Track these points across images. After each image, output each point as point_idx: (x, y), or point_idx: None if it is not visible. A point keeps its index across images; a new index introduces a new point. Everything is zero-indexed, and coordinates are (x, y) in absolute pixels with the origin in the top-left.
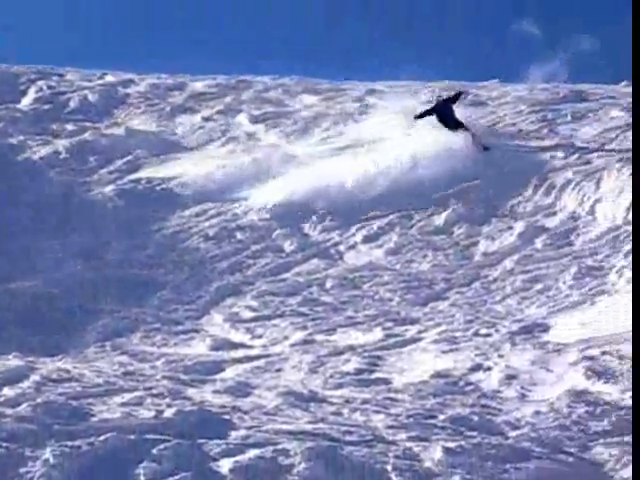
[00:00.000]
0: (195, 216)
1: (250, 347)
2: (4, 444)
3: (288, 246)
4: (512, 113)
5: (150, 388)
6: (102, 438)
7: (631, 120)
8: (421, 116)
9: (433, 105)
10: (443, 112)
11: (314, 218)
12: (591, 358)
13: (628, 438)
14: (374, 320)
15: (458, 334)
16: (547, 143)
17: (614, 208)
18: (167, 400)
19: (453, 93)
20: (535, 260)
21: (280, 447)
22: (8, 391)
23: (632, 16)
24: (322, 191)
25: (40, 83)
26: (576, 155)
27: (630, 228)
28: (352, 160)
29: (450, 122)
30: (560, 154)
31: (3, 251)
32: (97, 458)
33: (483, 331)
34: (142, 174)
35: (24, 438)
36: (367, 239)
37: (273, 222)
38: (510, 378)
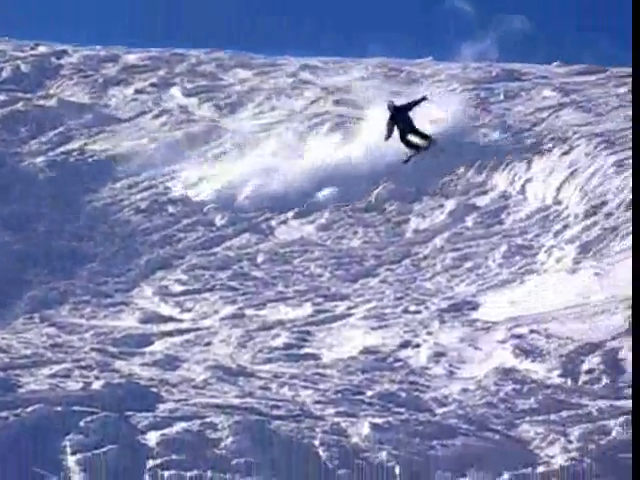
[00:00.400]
0: (127, 188)
1: (179, 320)
2: None
3: (219, 220)
4: (445, 91)
5: (78, 360)
6: (29, 409)
7: (632, 118)
8: (389, 135)
9: (390, 115)
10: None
11: (246, 192)
12: (519, 336)
13: (554, 416)
14: (304, 295)
15: (387, 311)
16: (479, 122)
17: (544, 188)
18: (95, 372)
19: (412, 101)
20: (465, 238)
21: (208, 420)
22: None
23: (632, 16)
24: (254, 165)
25: None
26: (508, 134)
27: (559, 208)
28: (284, 136)
29: (405, 131)
30: (492, 133)
31: None
32: (23, 429)
33: (412, 308)
34: (74, 145)
35: None
36: (298, 215)
37: (204, 196)
38: (438, 355)
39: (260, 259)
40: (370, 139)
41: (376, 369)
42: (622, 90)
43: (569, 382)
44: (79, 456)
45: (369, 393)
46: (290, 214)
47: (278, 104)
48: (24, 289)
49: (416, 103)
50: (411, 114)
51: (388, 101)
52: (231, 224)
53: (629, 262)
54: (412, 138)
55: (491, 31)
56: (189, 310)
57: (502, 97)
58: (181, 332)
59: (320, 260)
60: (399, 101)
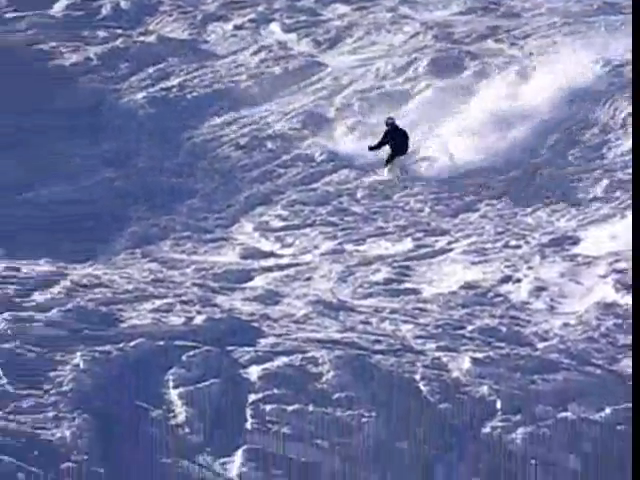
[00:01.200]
0: (226, 125)
1: (280, 256)
2: (35, 348)
3: (319, 156)
4: (546, 25)
5: (180, 295)
6: (132, 344)
7: (632, 118)
8: (377, 147)
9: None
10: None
11: (344, 128)
12: (620, 271)
13: None
14: (404, 230)
15: (488, 245)
16: (579, 57)
17: None
18: (197, 307)
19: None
20: (567, 173)
21: (309, 355)
22: (38, 296)
23: (632, 16)
24: (354, 101)
25: None
26: (608, 68)
27: None
28: (383, 71)
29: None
30: (594, 67)
31: (34, 158)
32: (126, 364)
33: (513, 243)
34: (173, 82)
35: (54, 343)
36: None
37: (304, 131)
38: (539, 290)
39: (360, 194)
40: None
41: (476, 304)
42: None
43: None
44: (181, 390)
45: (470, 328)
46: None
47: (377, 39)
48: (125, 225)
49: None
50: None
51: (387, 117)
52: (330, 160)
53: None
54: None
55: None
56: (289, 245)
57: (603, 30)
58: (281, 267)
59: (420, 195)
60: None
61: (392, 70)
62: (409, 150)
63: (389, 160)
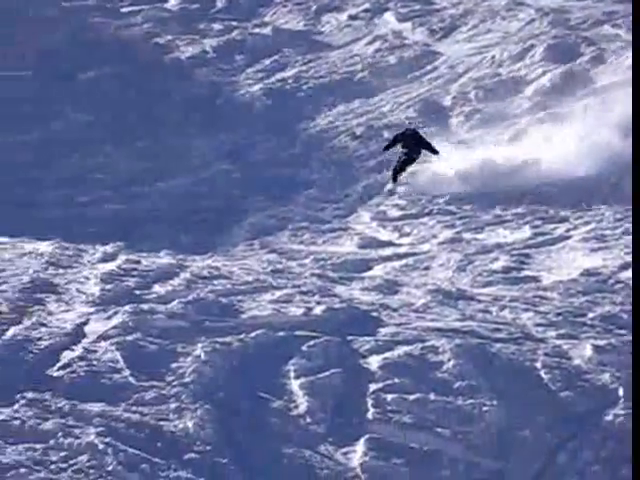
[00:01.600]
0: (342, 115)
1: (398, 245)
2: (156, 340)
3: (435, 142)
4: None
5: (299, 285)
6: (252, 335)
7: (632, 117)
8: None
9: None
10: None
11: (461, 117)
12: None
13: None
14: (522, 218)
15: (607, 232)
16: None
17: None
18: (316, 297)
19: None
20: None
21: (429, 344)
22: (159, 288)
23: (632, 16)
24: (470, 89)
25: None
26: None
27: None
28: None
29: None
30: None
31: (152, 151)
32: (247, 354)
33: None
34: (289, 73)
35: (175, 334)
36: (513, 138)
37: (420, 120)
38: None
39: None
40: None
41: (597, 291)
42: None
43: None
44: (303, 380)
45: (590, 315)
46: (506, 137)
47: (492, 26)
48: (243, 217)
49: (429, 146)
50: None
51: (411, 126)
52: None
53: None
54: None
55: None
56: (407, 235)
57: None
58: (400, 257)
59: None
60: None
61: (508, 57)
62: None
63: (396, 170)
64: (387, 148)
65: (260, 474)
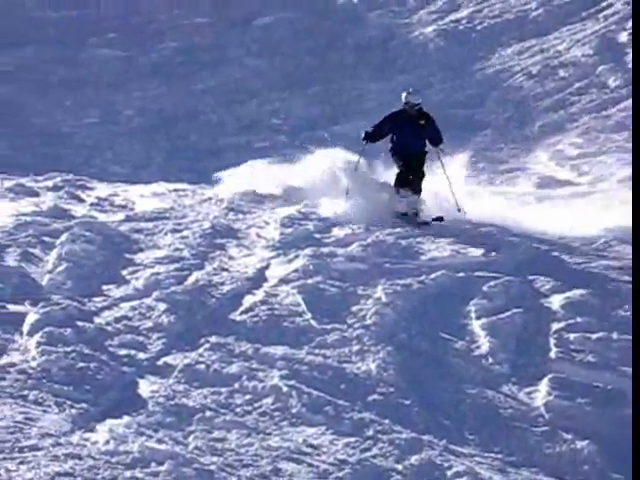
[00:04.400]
0: (517, 54)
1: (577, 184)
2: (337, 283)
3: (612, 82)
4: None
5: (478, 226)
6: (432, 276)
7: (632, 116)
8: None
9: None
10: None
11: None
12: None
13: None
14: None
15: None
16: None
17: None
18: (495, 238)
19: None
20: None
21: (611, 284)
22: (338, 231)
23: (632, 16)
24: None
25: None
26: None
27: None
28: None
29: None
30: None
31: (327, 96)
32: (427, 295)
33: None
34: (462, 13)
35: (356, 277)
36: None
37: (597, 57)
38: None
39: None
40: None
41: None
42: None
43: None
44: (484, 320)
45: None
46: None
47: None
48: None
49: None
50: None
51: (407, 93)
52: (625, 85)
53: None
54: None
55: None
56: (586, 173)
57: None
58: (579, 195)
59: None
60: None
61: None
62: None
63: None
64: (368, 138)
65: (443, 415)
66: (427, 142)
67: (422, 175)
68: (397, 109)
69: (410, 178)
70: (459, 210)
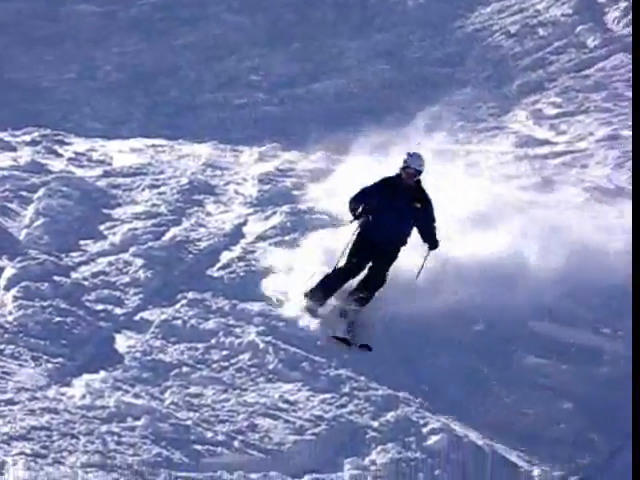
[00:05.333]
0: (496, 13)
1: (554, 143)
2: None
3: (591, 42)
4: None
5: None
6: None
7: (632, 115)
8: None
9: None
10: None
11: (617, 13)
12: None
13: None
14: None
15: None
16: None
17: None
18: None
19: None
20: None
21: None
22: (316, 188)
23: (632, 16)
24: None
25: None
26: None
27: None
28: None
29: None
30: None
31: (307, 53)
32: None
33: None
34: None
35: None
36: None
37: (576, 17)
38: None
39: None
40: None
41: None
42: None
43: None
44: None
45: None
46: None
47: None
48: (397, 116)
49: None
50: None
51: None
52: (604, 45)
53: None
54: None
55: None
56: (564, 133)
57: None
58: (557, 155)
59: None
60: None
61: None
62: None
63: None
64: (356, 215)
65: (420, 372)
66: (417, 233)
67: (383, 280)
68: (391, 175)
69: (363, 282)
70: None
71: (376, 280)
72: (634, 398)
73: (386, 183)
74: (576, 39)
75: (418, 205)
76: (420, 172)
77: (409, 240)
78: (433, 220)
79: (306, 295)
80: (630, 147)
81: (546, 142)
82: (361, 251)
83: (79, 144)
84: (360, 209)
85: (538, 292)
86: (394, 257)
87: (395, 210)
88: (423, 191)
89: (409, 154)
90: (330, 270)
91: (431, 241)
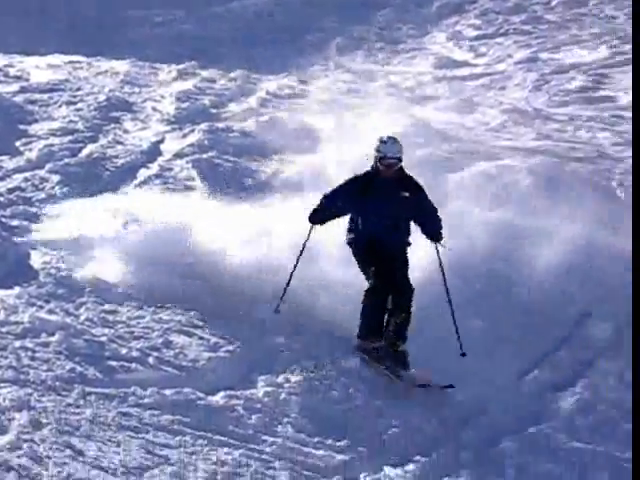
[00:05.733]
0: None
1: (474, 65)
2: (231, 158)
3: None
4: None
5: (374, 105)
6: None
7: (632, 115)
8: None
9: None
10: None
11: None
12: None
13: None
14: (599, 38)
15: None
16: None
17: None
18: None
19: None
20: None
21: (503, 163)
22: (235, 107)
23: (632, 16)
24: None
25: None
26: None
27: None
28: None
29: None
30: None
31: None
32: None
33: None
34: None
35: (250, 152)
36: None
37: None
38: None
39: (554, 2)
40: None
41: None
42: None
43: None
44: None
45: None
46: None
47: None
48: (319, 36)
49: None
50: None
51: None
52: None
53: None
54: None
55: None
56: (483, 55)
57: None
58: (476, 76)
59: (614, 3)
60: None
61: None
62: None
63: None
64: (316, 219)
65: None
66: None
67: (410, 289)
68: (363, 171)
69: (390, 299)
70: (463, 354)
71: (404, 297)
72: (634, 398)
73: (358, 181)
74: None
75: (406, 194)
76: (400, 159)
77: (411, 240)
78: (432, 207)
79: (360, 337)
80: (548, 70)
81: (465, 64)
82: (375, 263)
83: None
84: (318, 206)
85: None
86: (406, 260)
87: (380, 206)
88: (410, 178)
89: (382, 140)
90: (363, 302)
91: (433, 232)
